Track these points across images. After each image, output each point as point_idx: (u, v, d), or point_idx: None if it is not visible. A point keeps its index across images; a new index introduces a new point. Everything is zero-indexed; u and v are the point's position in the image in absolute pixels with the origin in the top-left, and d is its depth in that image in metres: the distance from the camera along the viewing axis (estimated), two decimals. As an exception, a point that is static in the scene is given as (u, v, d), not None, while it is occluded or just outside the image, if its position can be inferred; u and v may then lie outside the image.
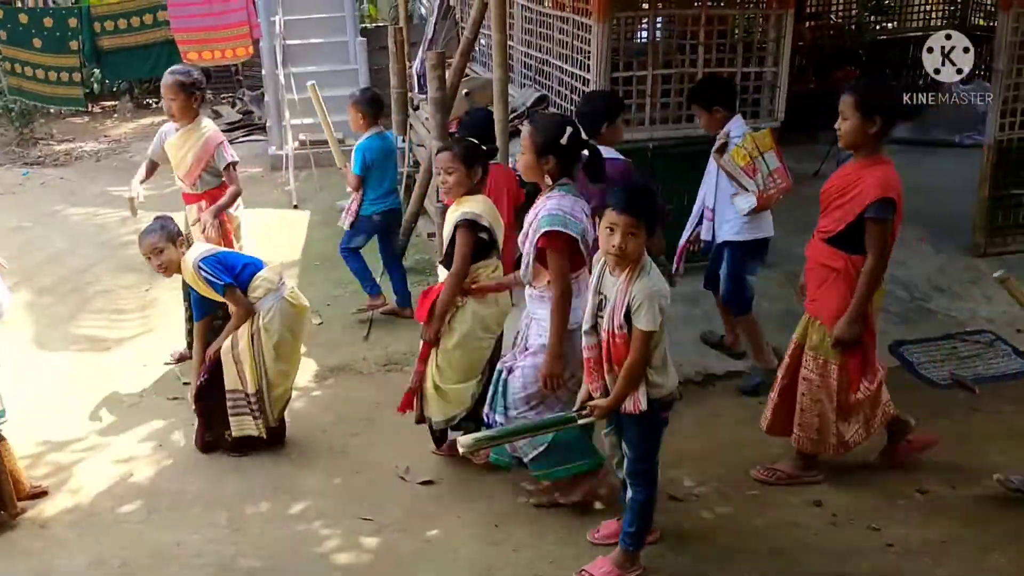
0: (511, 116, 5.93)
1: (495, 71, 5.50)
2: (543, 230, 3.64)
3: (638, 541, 3.59)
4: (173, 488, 4.29)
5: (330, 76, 10.66)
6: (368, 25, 12.85)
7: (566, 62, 6.15)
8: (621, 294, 3.29)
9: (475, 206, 4.14)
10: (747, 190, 4.77)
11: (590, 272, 3.60)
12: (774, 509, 4.06)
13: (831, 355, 3.96)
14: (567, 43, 6.10)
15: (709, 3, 5.88)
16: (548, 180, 3.72)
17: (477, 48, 7.13)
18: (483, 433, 3.67)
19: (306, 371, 5.39)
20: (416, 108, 8.15)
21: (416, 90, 8.38)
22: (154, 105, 13.71)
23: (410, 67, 8.34)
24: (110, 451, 4.67)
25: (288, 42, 10.72)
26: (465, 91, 6.88)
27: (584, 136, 3.82)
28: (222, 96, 13.69)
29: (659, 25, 6.36)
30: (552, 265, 3.67)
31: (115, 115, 13.02)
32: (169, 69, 5.41)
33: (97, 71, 9.85)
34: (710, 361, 5.31)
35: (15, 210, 8.98)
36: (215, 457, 4.59)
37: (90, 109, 12.39)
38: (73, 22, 9.18)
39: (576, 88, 5.97)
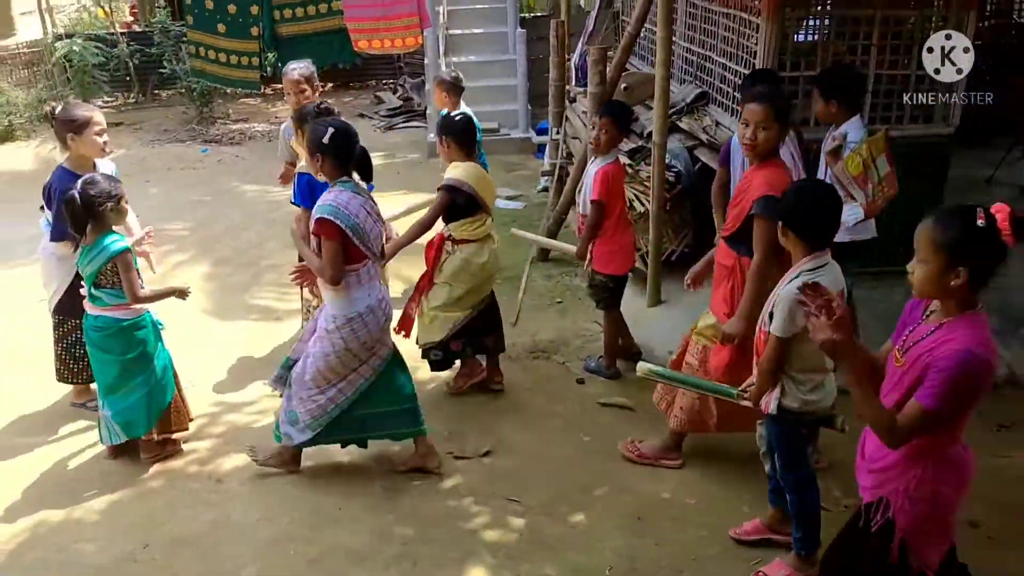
0: (671, 112, 5.97)
1: (657, 68, 5.53)
2: (315, 216, 3.99)
3: (809, 544, 3.59)
4: (336, 456, 4.56)
5: (489, 66, 10.93)
6: (527, 15, 13.03)
7: (729, 59, 6.09)
8: (773, 295, 3.39)
9: (459, 173, 4.84)
10: (855, 200, 4.57)
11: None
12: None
13: (709, 343, 4.16)
14: (732, 40, 6.04)
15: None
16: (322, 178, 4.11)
17: (637, 43, 7.13)
18: (659, 368, 4.06)
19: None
20: (572, 100, 8.25)
21: (573, 82, 8.49)
22: (322, 90, 14.39)
23: (569, 60, 8.45)
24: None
25: (451, 32, 11.06)
26: (624, 85, 6.93)
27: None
28: (384, 82, 14.22)
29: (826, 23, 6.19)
30: (324, 252, 3.97)
31: (285, 98, 13.70)
32: (288, 65, 5.67)
33: (272, 56, 10.39)
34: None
35: (196, 185, 9.70)
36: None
37: (263, 92, 13.14)
38: (255, 9, 9.70)
39: (738, 86, 5.90)
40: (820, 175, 4.73)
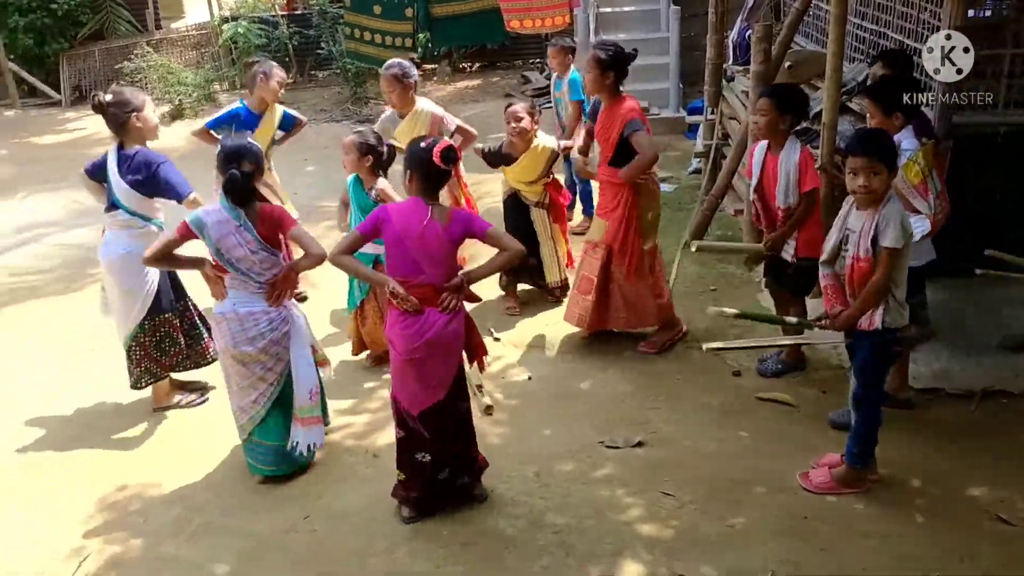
0: (841, 92, 5.63)
1: (830, 46, 5.22)
2: None
3: (863, 459, 3.95)
4: (490, 440, 4.58)
5: (641, 44, 10.63)
6: (679, -9, 12.65)
7: (907, 36, 5.70)
8: (869, 220, 3.64)
9: None
10: (918, 211, 4.21)
11: None
12: None
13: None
14: (911, 15, 5.64)
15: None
16: None
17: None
18: (731, 310, 4.29)
19: (608, 342, 5.52)
20: (730, 79, 7.94)
21: (731, 60, 8.17)
22: (468, 70, 14.53)
23: (727, 37, 8.15)
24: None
25: (601, 10, 10.88)
26: (788, 64, 6.60)
27: None
28: (531, 62, 14.18)
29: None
30: None
31: (434, 78, 13.92)
32: (385, 64, 5.95)
33: (422, 36, 10.52)
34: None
35: (350, 164, 9.92)
36: (530, 408, 4.88)
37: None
38: (410, -10, 9.84)
39: (918, 64, 5.51)
40: None
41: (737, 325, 5.61)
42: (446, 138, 4.35)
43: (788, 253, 4.77)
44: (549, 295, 6.16)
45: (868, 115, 4.62)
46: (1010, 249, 4.53)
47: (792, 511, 3.94)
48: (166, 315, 4.93)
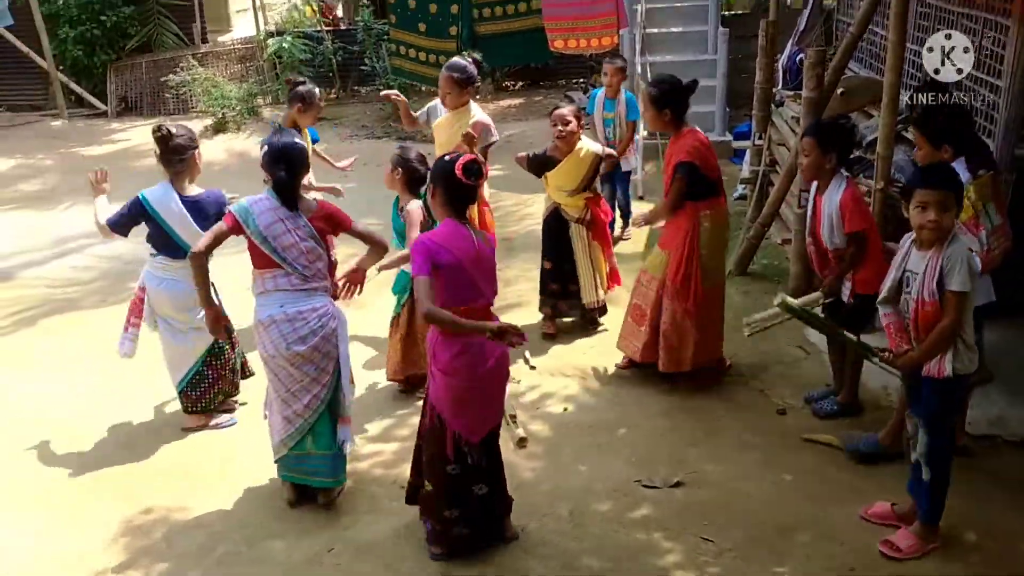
0: (897, 120, 5.43)
1: (887, 74, 5.02)
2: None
3: (937, 515, 3.75)
4: (523, 475, 4.43)
5: (688, 66, 10.49)
6: (727, 14, 12.49)
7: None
8: (933, 261, 3.45)
9: None
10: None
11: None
12: None
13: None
14: (973, 44, 5.42)
15: None
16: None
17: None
18: (797, 302, 4.04)
19: (648, 374, 5.35)
20: (780, 104, 7.76)
21: (780, 84, 8.00)
22: (511, 88, 14.46)
23: (776, 61, 7.97)
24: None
25: (648, 31, 10.73)
26: (841, 90, 6.41)
27: None
28: (575, 82, 14.06)
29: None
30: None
31: (477, 96, 13.81)
32: (446, 64, 5.82)
33: (466, 54, 10.48)
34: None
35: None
36: (565, 442, 4.72)
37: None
38: (455, 8, 9.82)
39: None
40: None
41: (782, 361, 5.43)
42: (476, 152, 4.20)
43: (845, 294, 4.55)
44: (583, 317, 6.00)
45: (916, 146, 4.39)
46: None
47: (840, 561, 3.75)
48: (234, 335, 4.98)
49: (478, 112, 5.85)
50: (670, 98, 4.94)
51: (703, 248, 5.00)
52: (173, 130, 4.66)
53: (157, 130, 4.67)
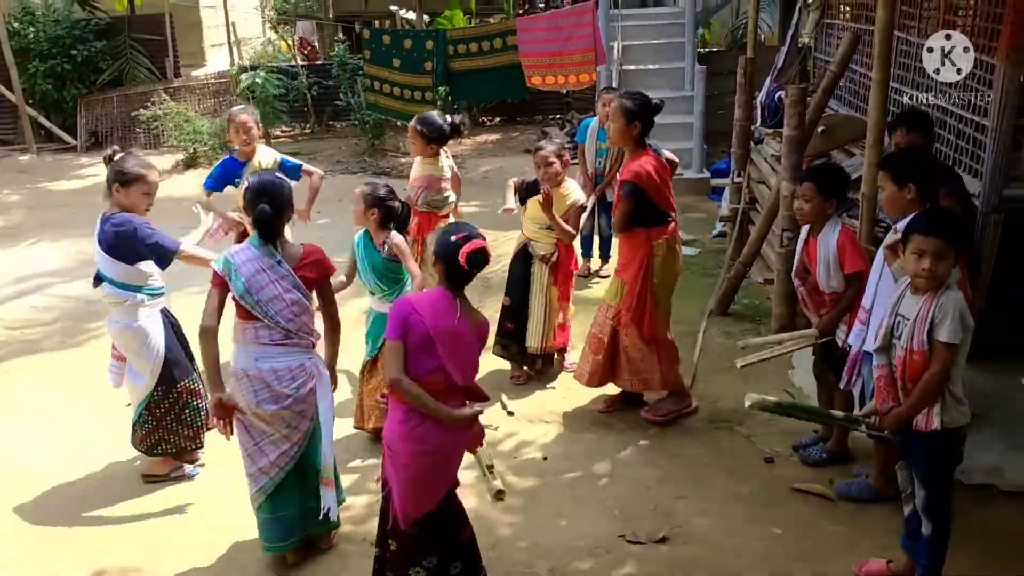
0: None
1: (871, 112, 4.90)
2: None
3: (936, 572, 3.58)
4: (501, 531, 4.22)
5: (666, 103, 10.46)
6: (702, 51, 12.51)
7: (951, 103, 5.42)
8: (925, 309, 3.33)
9: None
10: None
11: None
12: None
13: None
14: (957, 85, 5.36)
15: None
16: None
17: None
18: (772, 400, 3.82)
19: (630, 419, 5.17)
20: (759, 142, 7.68)
21: (759, 122, 7.93)
22: (488, 123, 14.38)
23: (754, 98, 7.90)
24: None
25: (625, 67, 10.70)
26: (822, 128, 6.33)
27: None
28: (551, 117, 14.01)
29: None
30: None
31: (460, 141, 13.75)
32: (419, 116, 5.99)
33: (443, 90, 10.37)
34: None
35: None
36: (544, 493, 4.51)
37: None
38: (430, 45, 9.72)
39: (965, 133, 5.23)
40: (874, 270, 4.03)
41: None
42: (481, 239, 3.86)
43: (840, 337, 4.39)
44: (527, 364, 5.77)
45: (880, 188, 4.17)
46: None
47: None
48: (184, 383, 4.68)
49: (445, 165, 6.08)
50: (643, 113, 4.94)
51: (655, 277, 4.98)
52: (113, 154, 4.59)
53: (109, 151, 4.64)
